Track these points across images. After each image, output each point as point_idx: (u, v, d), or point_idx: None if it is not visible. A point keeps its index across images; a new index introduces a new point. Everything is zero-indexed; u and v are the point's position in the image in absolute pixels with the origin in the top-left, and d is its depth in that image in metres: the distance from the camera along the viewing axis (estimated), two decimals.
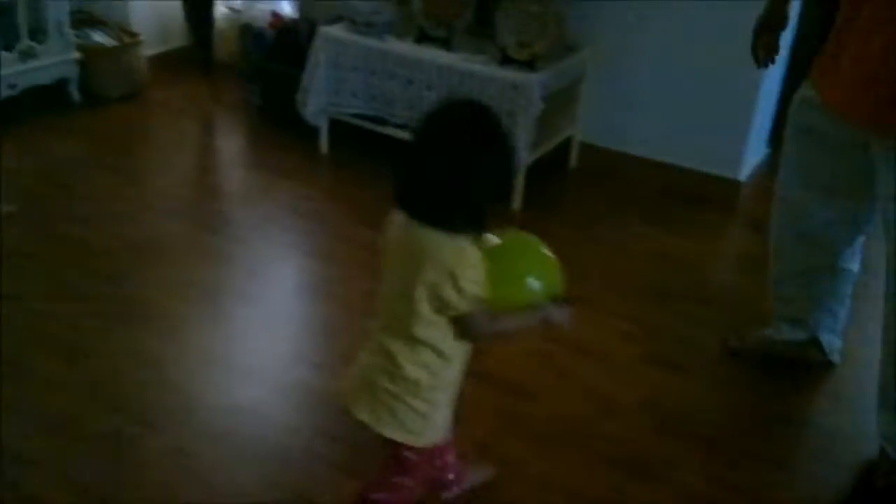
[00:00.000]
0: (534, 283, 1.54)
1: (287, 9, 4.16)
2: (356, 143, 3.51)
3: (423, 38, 3.32)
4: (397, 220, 1.51)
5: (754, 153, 3.50)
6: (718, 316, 2.65)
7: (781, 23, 2.28)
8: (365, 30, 3.35)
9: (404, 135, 3.32)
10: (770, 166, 3.71)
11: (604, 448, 2.05)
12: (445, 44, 3.28)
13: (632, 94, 3.44)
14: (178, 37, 4.24)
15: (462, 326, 1.47)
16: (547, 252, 1.59)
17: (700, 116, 3.33)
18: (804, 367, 2.42)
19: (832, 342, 2.42)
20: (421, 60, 3.21)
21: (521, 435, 2.08)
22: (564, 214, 3.25)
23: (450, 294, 1.41)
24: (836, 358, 2.43)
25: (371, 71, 3.31)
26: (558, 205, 3.33)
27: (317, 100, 3.41)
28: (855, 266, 2.30)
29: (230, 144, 3.83)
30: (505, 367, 2.27)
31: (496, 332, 1.55)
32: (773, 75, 3.41)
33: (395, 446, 1.55)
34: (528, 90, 3.03)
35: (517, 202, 3.18)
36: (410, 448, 1.55)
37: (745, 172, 3.40)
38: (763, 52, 2.29)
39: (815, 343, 2.42)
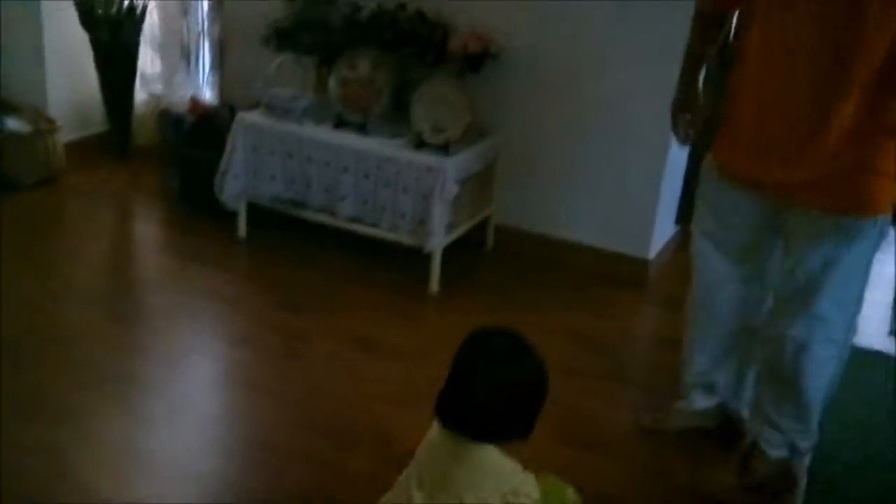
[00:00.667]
0: None
1: (207, 94, 4.20)
2: (274, 226, 3.53)
3: (340, 123, 3.39)
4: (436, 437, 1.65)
5: (662, 231, 3.63)
6: (632, 393, 2.71)
7: (695, 102, 2.38)
8: (283, 115, 3.40)
9: (322, 218, 3.37)
10: (679, 243, 3.86)
11: None
12: (362, 129, 3.35)
13: (542, 177, 3.56)
14: (97, 122, 4.22)
15: None
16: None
17: (608, 197, 3.46)
18: (716, 438, 2.48)
19: (739, 410, 2.49)
20: (338, 145, 3.27)
21: None
22: (479, 295, 3.30)
23: None
24: (743, 426, 2.47)
25: (289, 155, 3.35)
26: (474, 285, 3.39)
27: (234, 184, 3.43)
28: (754, 320, 2.36)
29: (147, 230, 3.81)
30: None
31: None
32: (678, 154, 3.58)
33: None
34: (444, 173, 3.11)
35: (434, 284, 3.22)
36: None
37: (653, 251, 3.52)
38: (683, 131, 2.41)
39: (725, 411, 2.50)
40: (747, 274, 2.29)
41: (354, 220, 3.30)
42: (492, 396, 1.56)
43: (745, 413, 2.46)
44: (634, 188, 3.42)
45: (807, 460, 2.35)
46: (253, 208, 3.50)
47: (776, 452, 2.28)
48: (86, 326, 2.80)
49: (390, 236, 3.25)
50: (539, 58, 3.43)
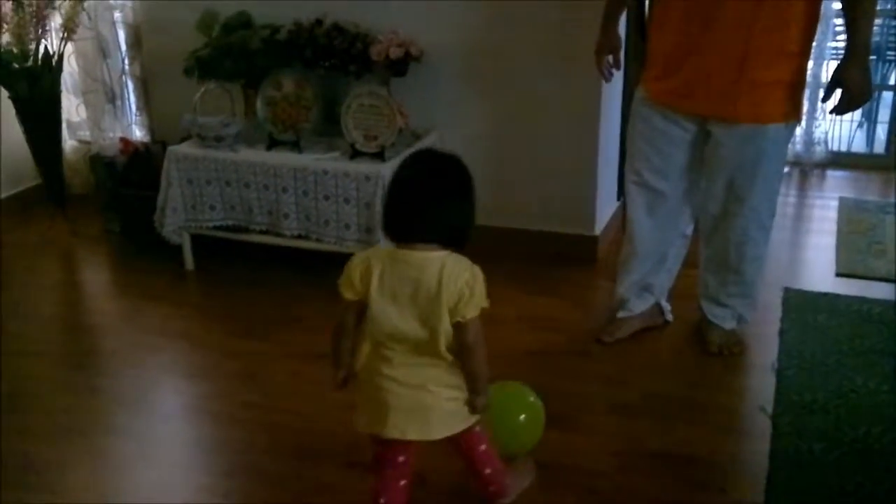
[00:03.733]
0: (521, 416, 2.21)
1: (137, 134, 4.17)
2: (221, 254, 3.52)
3: (273, 143, 3.39)
4: (380, 254, 1.81)
5: (606, 207, 3.68)
6: (599, 367, 2.74)
7: (617, 45, 2.77)
8: (215, 144, 3.39)
9: (267, 240, 3.36)
10: (623, 217, 3.91)
11: None
12: (296, 146, 3.35)
13: (483, 170, 3.54)
14: (29, 176, 4.15)
15: (463, 330, 1.74)
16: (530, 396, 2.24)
17: (549, 181, 3.50)
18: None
19: (666, 305, 2.97)
20: (274, 166, 3.27)
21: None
22: None
23: (467, 302, 1.71)
24: (669, 318, 2.98)
25: (226, 182, 3.34)
26: None
27: (174, 218, 3.40)
28: (689, 230, 2.88)
29: (93, 275, 3.76)
30: None
31: (480, 345, 1.80)
32: (613, 132, 3.63)
33: (468, 438, 1.88)
34: (382, 180, 3.12)
35: None
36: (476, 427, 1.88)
37: (599, 227, 3.57)
38: (606, 70, 2.81)
39: (658, 308, 2.96)
40: (677, 184, 2.70)
41: (300, 237, 3.29)
42: (432, 197, 1.75)
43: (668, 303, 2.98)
44: (573, 169, 3.46)
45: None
46: (197, 239, 3.48)
47: (727, 325, 2.81)
48: (41, 378, 2.76)
49: (339, 248, 3.24)
50: (463, 54, 3.46)
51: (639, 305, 2.91)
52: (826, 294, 3.17)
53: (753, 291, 2.79)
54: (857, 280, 3.33)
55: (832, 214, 3.96)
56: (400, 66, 3.40)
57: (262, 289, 3.35)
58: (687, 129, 2.60)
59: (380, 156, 3.21)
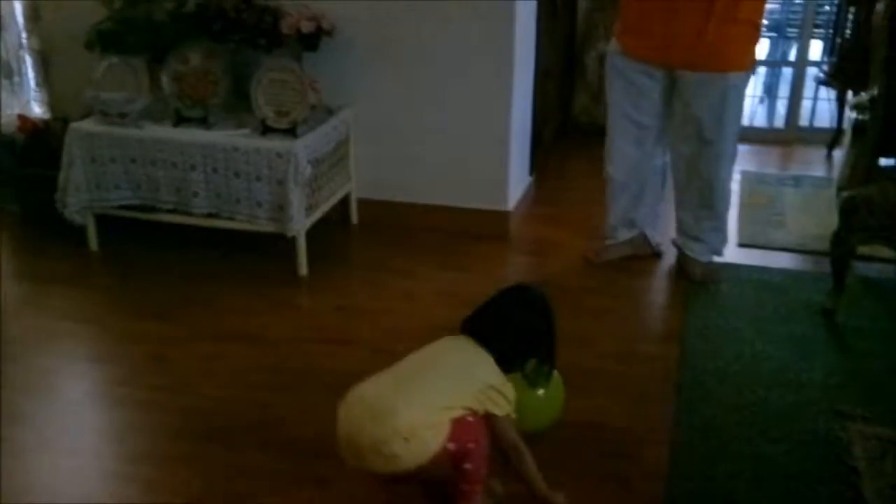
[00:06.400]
0: (540, 391, 2.18)
1: (36, 111, 4.00)
2: (127, 234, 3.43)
3: (181, 120, 3.30)
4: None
5: (518, 183, 3.72)
6: None
7: None
8: (119, 120, 3.28)
9: (176, 219, 3.28)
10: (535, 193, 3.97)
11: None
12: (204, 122, 3.28)
13: (398, 146, 3.58)
14: None
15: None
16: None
17: (463, 157, 3.52)
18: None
19: (654, 236, 3.36)
20: (182, 142, 3.19)
21: None
22: (351, 269, 3.32)
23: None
24: (661, 250, 3.37)
25: (131, 160, 3.24)
26: (345, 261, 3.39)
27: (77, 198, 3.29)
28: (661, 167, 3.25)
29: None
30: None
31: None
32: (525, 111, 3.67)
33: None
34: (294, 156, 3.08)
35: (302, 267, 3.20)
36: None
37: (512, 202, 3.61)
38: None
39: (644, 238, 3.34)
40: (651, 128, 3.09)
41: (210, 215, 3.23)
42: (511, 327, 1.94)
43: (657, 235, 3.38)
44: (486, 146, 3.49)
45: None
46: (102, 219, 3.38)
47: (704, 258, 3.19)
48: None
49: (250, 226, 3.20)
50: (376, 27, 3.43)
51: (625, 234, 3.31)
52: (729, 264, 3.29)
53: (724, 225, 3.20)
54: (757, 250, 3.46)
55: (735, 187, 4.08)
56: (311, 40, 3.35)
57: (171, 269, 3.27)
58: (658, 79, 2.99)
59: (291, 132, 3.16)
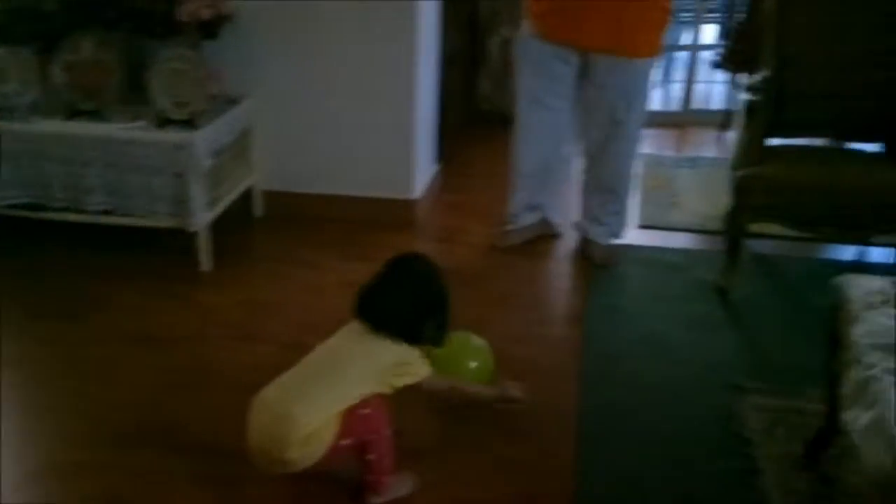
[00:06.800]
0: (472, 364, 2.31)
1: None
2: (19, 235, 3.28)
3: (74, 113, 3.17)
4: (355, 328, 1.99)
5: (425, 171, 3.73)
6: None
7: None
8: (6, 114, 3.14)
9: (70, 217, 3.16)
10: (442, 181, 3.99)
11: None
12: (98, 115, 3.16)
13: (302, 137, 3.54)
14: None
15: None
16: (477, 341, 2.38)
17: (369, 146, 3.51)
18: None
19: (555, 217, 3.45)
20: (75, 136, 3.07)
21: None
22: (255, 263, 3.27)
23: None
24: (561, 231, 3.46)
25: (19, 156, 3.10)
26: (249, 255, 3.35)
27: None
28: (569, 155, 3.36)
29: None
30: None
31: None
32: (430, 98, 3.67)
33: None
34: (193, 148, 3.01)
35: (206, 262, 3.14)
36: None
37: (418, 191, 3.62)
38: None
39: (545, 220, 3.42)
40: (559, 111, 3.13)
41: (107, 212, 3.12)
42: (405, 305, 1.96)
43: (557, 216, 3.47)
44: (390, 133, 3.48)
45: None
46: None
47: (604, 241, 3.28)
48: None
49: (150, 222, 3.11)
50: (278, 15, 3.37)
51: (527, 218, 3.38)
52: (629, 246, 3.39)
53: (625, 210, 3.32)
54: (657, 231, 3.58)
55: (637, 171, 4.20)
56: (211, 27, 3.27)
57: (69, 270, 3.15)
58: (573, 63, 3.01)
59: (190, 123, 3.09)
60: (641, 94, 3.09)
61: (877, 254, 3.36)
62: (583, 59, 3.01)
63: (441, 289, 2.03)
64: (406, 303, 1.97)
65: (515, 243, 3.38)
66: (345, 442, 1.85)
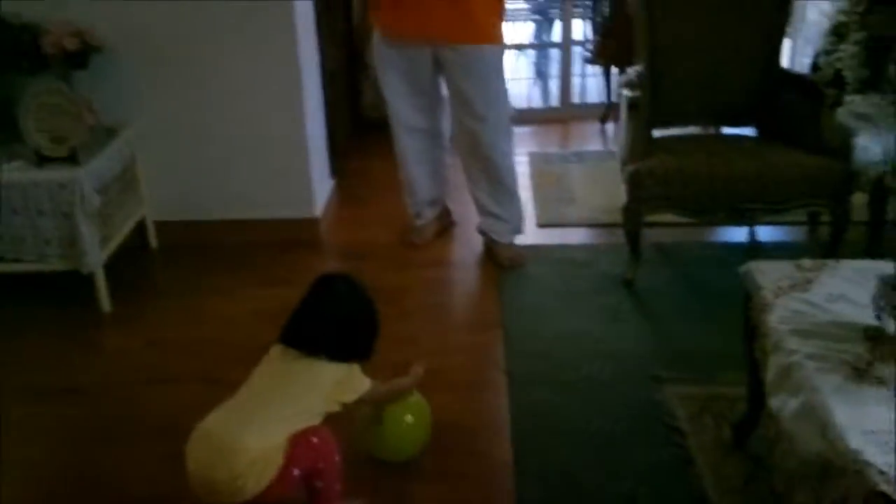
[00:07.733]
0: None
1: None
2: None
3: None
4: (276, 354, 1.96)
5: (321, 187, 3.68)
6: None
7: None
8: None
9: None
10: (340, 195, 3.95)
11: None
12: None
13: (192, 163, 3.42)
14: None
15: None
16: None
17: (262, 168, 3.43)
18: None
19: (450, 204, 3.59)
20: None
21: None
22: (160, 298, 3.14)
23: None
24: (455, 219, 3.62)
25: None
26: (151, 290, 3.22)
27: None
28: (443, 139, 3.43)
29: None
30: None
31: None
32: (317, 113, 3.62)
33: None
34: (79, 185, 2.86)
35: (105, 303, 2.99)
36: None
37: (318, 208, 3.57)
38: None
39: (445, 209, 3.59)
40: (424, 103, 3.24)
41: None
42: (332, 325, 1.94)
43: (451, 203, 3.63)
44: (283, 152, 3.42)
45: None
46: None
47: (507, 239, 3.35)
48: None
49: (41, 267, 2.94)
50: (151, 40, 3.25)
51: (430, 212, 3.50)
52: (532, 246, 3.45)
53: (518, 200, 3.36)
54: (556, 229, 3.65)
55: (525, 170, 4.27)
56: (78, 58, 3.12)
57: None
58: (426, 56, 3.09)
59: (72, 159, 2.93)
60: (495, 84, 3.14)
61: (764, 233, 3.50)
62: (434, 55, 3.08)
63: (367, 303, 2.04)
64: (336, 324, 1.96)
65: (428, 237, 3.49)
66: (296, 472, 1.82)
